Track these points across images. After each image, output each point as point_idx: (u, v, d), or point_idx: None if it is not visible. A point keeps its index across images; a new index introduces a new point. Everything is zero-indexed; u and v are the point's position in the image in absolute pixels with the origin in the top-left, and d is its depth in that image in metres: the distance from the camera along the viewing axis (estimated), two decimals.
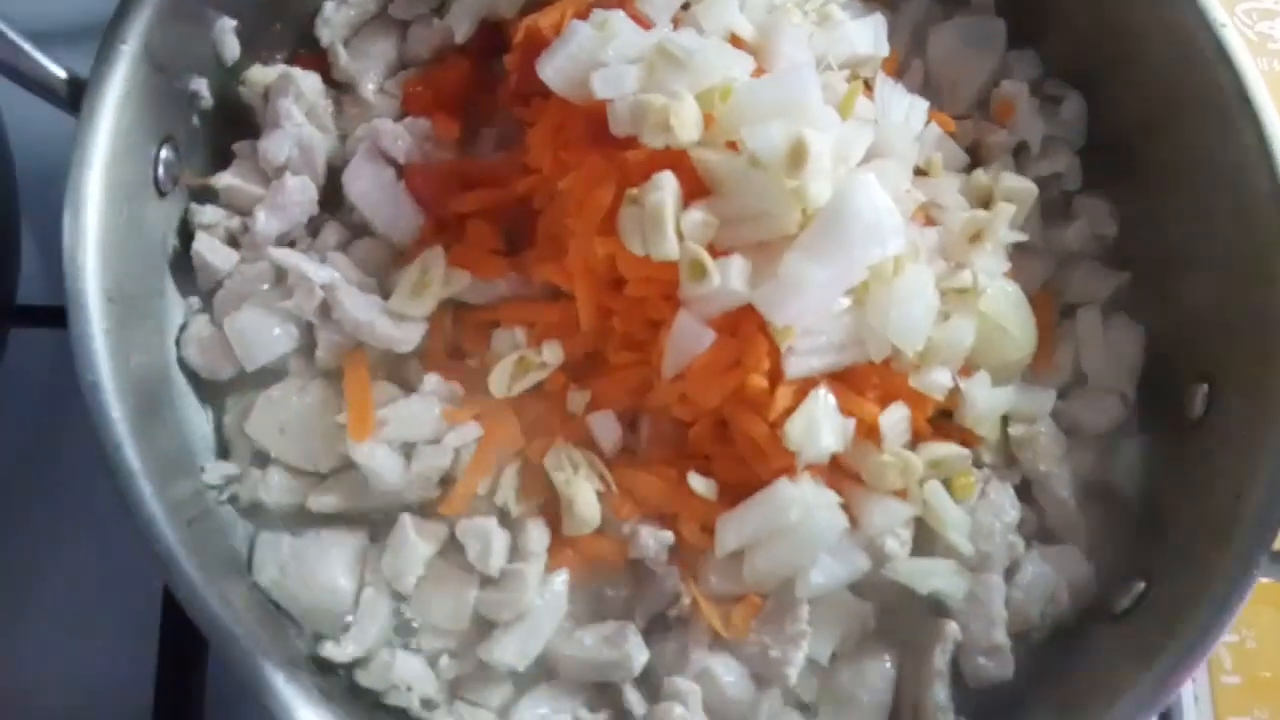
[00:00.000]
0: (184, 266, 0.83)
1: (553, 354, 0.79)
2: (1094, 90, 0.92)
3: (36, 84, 0.72)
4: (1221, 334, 0.83)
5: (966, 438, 0.82)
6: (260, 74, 0.86)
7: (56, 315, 0.70)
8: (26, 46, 0.71)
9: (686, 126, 0.72)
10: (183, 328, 0.82)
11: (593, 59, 0.76)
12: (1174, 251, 0.88)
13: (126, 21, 0.73)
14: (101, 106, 0.72)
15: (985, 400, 0.81)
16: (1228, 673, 0.92)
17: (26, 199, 0.88)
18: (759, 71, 0.79)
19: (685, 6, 0.83)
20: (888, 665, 0.78)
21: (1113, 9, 0.88)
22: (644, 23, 0.81)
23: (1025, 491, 0.85)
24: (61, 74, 0.72)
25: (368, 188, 0.85)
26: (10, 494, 0.89)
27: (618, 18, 0.79)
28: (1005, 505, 0.82)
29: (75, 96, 0.72)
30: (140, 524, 0.66)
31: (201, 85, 0.82)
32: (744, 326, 0.74)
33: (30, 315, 0.87)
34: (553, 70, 0.77)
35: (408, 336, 0.80)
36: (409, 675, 0.74)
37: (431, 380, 0.79)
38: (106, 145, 0.72)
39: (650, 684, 0.76)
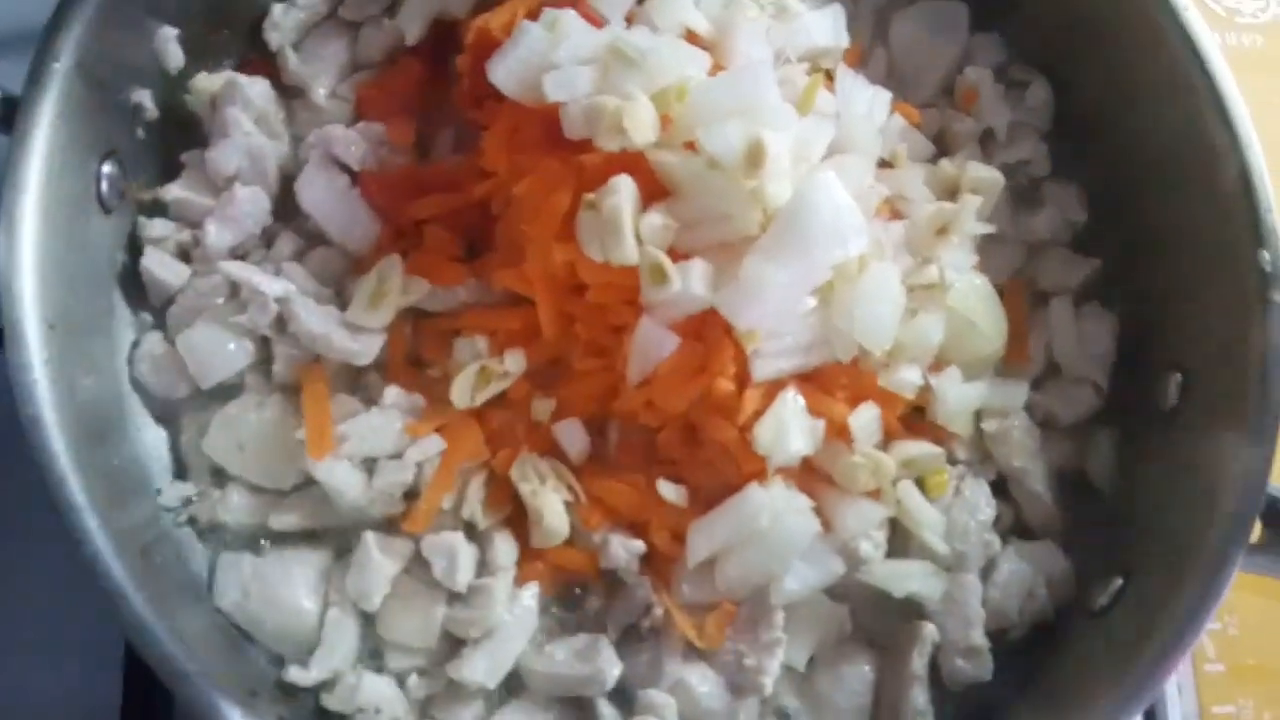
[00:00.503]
0: (134, 283, 0.81)
1: (515, 362, 0.77)
2: (1060, 74, 0.91)
3: None
4: (1192, 321, 0.82)
5: (939, 434, 0.81)
6: (206, 82, 0.83)
7: None
8: None
9: (641, 128, 0.70)
10: (134, 346, 0.80)
11: (544, 60, 0.74)
12: (1143, 237, 0.86)
13: (59, 37, 0.70)
14: (35, 127, 0.69)
15: (957, 396, 0.80)
16: (1211, 661, 0.91)
17: None
18: (716, 68, 0.77)
19: (639, 2, 0.81)
20: (866, 669, 0.77)
21: (1074, 8, 0.86)
22: (596, 21, 0.79)
23: (1001, 487, 0.83)
24: None
25: (321, 196, 0.82)
26: None
27: (568, 17, 0.77)
28: (980, 503, 0.81)
29: (7, 115, 0.70)
30: (87, 559, 0.64)
31: (145, 96, 0.80)
32: (709, 330, 0.73)
33: None
34: (504, 73, 0.75)
35: (366, 348, 0.78)
36: (377, 697, 0.73)
37: (392, 393, 0.78)
38: (42, 165, 0.70)
39: (624, 697, 0.75)
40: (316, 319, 0.78)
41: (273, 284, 0.78)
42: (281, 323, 0.78)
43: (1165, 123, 0.83)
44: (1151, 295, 0.85)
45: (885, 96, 0.84)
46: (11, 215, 0.68)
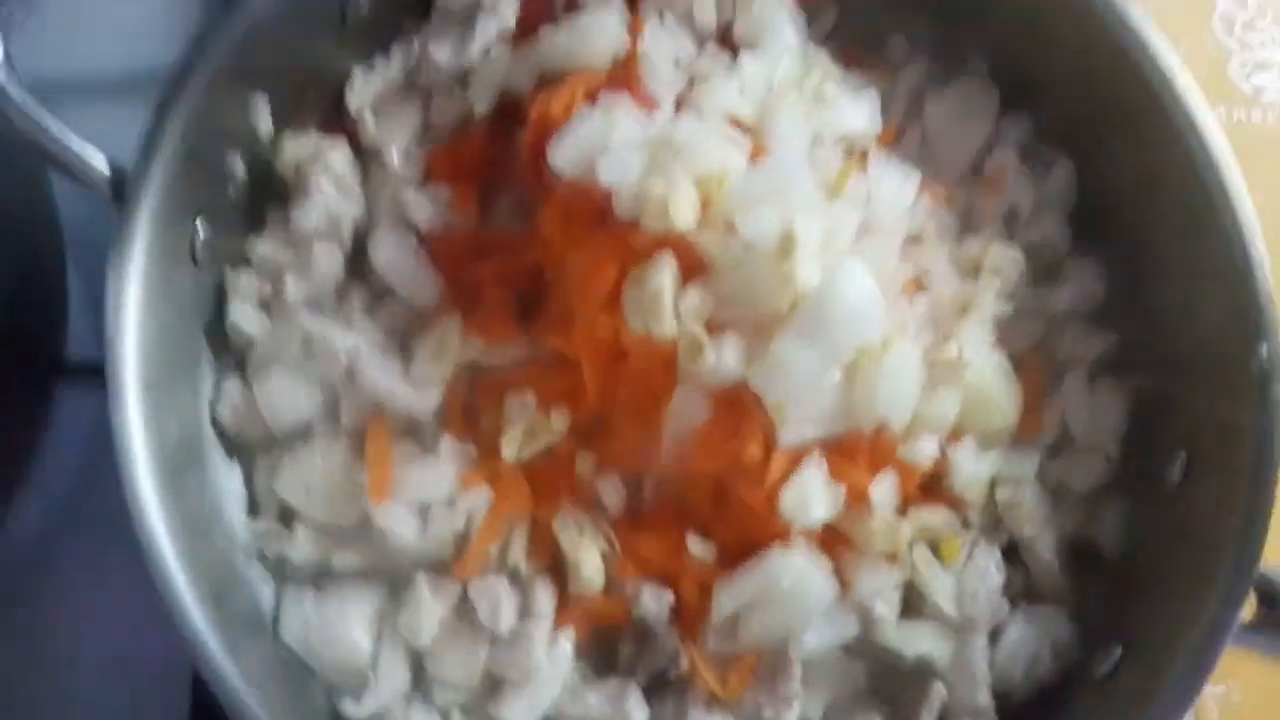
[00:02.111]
0: (218, 331, 0.88)
1: (560, 420, 0.83)
2: (1083, 155, 0.95)
3: (80, 176, 0.77)
4: (1197, 403, 0.86)
5: (954, 501, 0.86)
6: (292, 146, 0.90)
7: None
8: (74, 140, 0.76)
9: (683, 213, 0.77)
10: (216, 390, 0.87)
11: (598, 145, 0.81)
12: (1156, 315, 0.90)
13: (167, 117, 0.77)
14: (143, 198, 0.77)
15: (972, 467, 0.85)
16: None
17: (75, 251, 0.94)
18: (757, 150, 0.83)
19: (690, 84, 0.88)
20: None
21: (1100, 83, 0.90)
22: (649, 103, 0.85)
23: (1011, 551, 0.88)
24: (104, 169, 0.77)
25: (391, 255, 0.89)
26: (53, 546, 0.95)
27: (623, 103, 0.83)
28: (991, 569, 0.86)
29: (117, 186, 0.77)
30: (163, 590, 0.71)
31: (236, 160, 0.87)
32: (740, 399, 0.79)
33: (79, 371, 0.93)
34: (561, 156, 0.81)
35: (425, 403, 0.85)
36: None
37: (447, 443, 0.84)
38: (146, 233, 0.77)
39: None
40: (381, 373, 0.85)
41: (343, 337, 0.85)
42: (350, 374, 0.85)
43: (1179, 208, 0.87)
44: (1161, 372, 0.89)
45: (915, 177, 0.89)
46: (119, 286, 0.75)
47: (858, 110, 0.91)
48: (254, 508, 0.87)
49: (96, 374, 0.90)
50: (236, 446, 0.87)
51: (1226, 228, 0.84)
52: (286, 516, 0.86)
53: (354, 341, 0.85)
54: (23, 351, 0.86)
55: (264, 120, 0.87)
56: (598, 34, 0.89)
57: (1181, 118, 0.86)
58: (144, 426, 0.75)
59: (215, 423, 0.86)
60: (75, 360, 0.93)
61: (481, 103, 0.93)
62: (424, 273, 0.89)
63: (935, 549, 0.85)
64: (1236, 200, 0.84)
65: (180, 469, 0.80)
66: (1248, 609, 0.78)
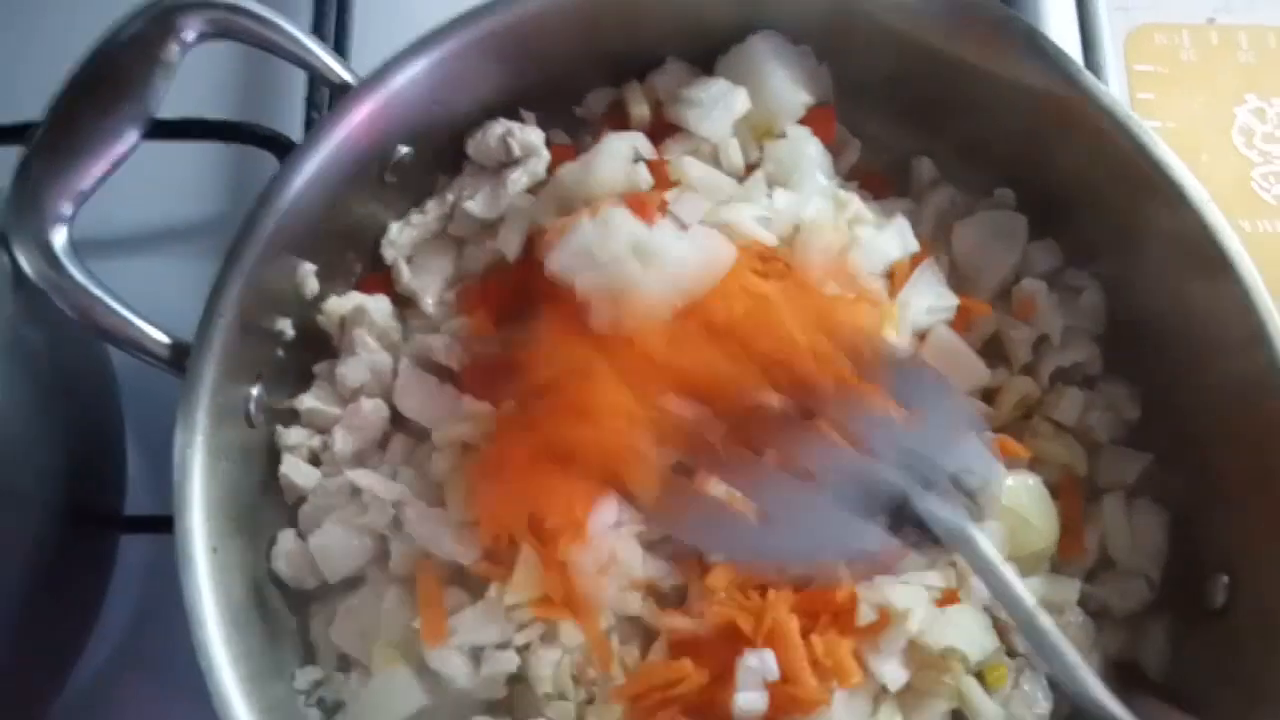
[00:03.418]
0: (271, 485, 0.91)
1: None
2: (1110, 276, 0.97)
3: (143, 351, 0.81)
4: (1238, 527, 0.87)
5: (999, 627, 0.86)
6: (336, 305, 0.94)
7: (163, 523, 0.79)
8: (135, 319, 0.80)
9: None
10: (271, 542, 0.89)
11: (589, 253, 0.83)
12: (1192, 437, 0.91)
13: (223, 296, 0.81)
14: (203, 369, 0.80)
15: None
16: None
17: (130, 404, 0.98)
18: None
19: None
20: None
21: (1121, 206, 0.92)
22: (648, 214, 0.87)
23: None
24: (165, 340, 0.81)
25: (417, 401, 0.92)
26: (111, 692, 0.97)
27: (618, 215, 0.85)
28: (1038, 696, 0.86)
29: (178, 359, 0.81)
30: None
31: (285, 324, 0.90)
32: None
33: (138, 524, 0.96)
34: (556, 264, 0.84)
35: (469, 550, 0.86)
36: None
37: (496, 588, 0.85)
38: (207, 402, 0.80)
39: None
40: (426, 522, 0.86)
41: (389, 488, 0.88)
42: (397, 523, 0.87)
43: (1208, 329, 0.89)
44: (1200, 495, 0.90)
45: (952, 299, 0.93)
46: (184, 457, 0.78)
47: (890, 241, 0.93)
48: (310, 654, 0.89)
49: (155, 524, 0.94)
50: (293, 595, 0.90)
51: (1257, 350, 0.85)
52: (343, 662, 0.88)
53: (399, 492, 0.87)
54: (86, 511, 0.89)
55: (310, 285, 0.91)
56: (610, 164, 0.92)
57: (1202, 235, 0.87)
58: (211, 588, 0.78)
59: (272, 574, 0.89)
60: (135, 514, 0.95)
61: (511, 249, 0.96)
62: (454, 408, 0.90)
63: (982, 677, 0.86)
64: (1269, 323, 0.84)
65: (243, 621, 0.82)
66: None
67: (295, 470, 0.90)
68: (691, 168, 0.93)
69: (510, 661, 0.84)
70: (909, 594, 0.83)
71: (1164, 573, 0.92)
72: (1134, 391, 0.96)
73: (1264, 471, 0.85)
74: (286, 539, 0.90)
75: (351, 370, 0.92)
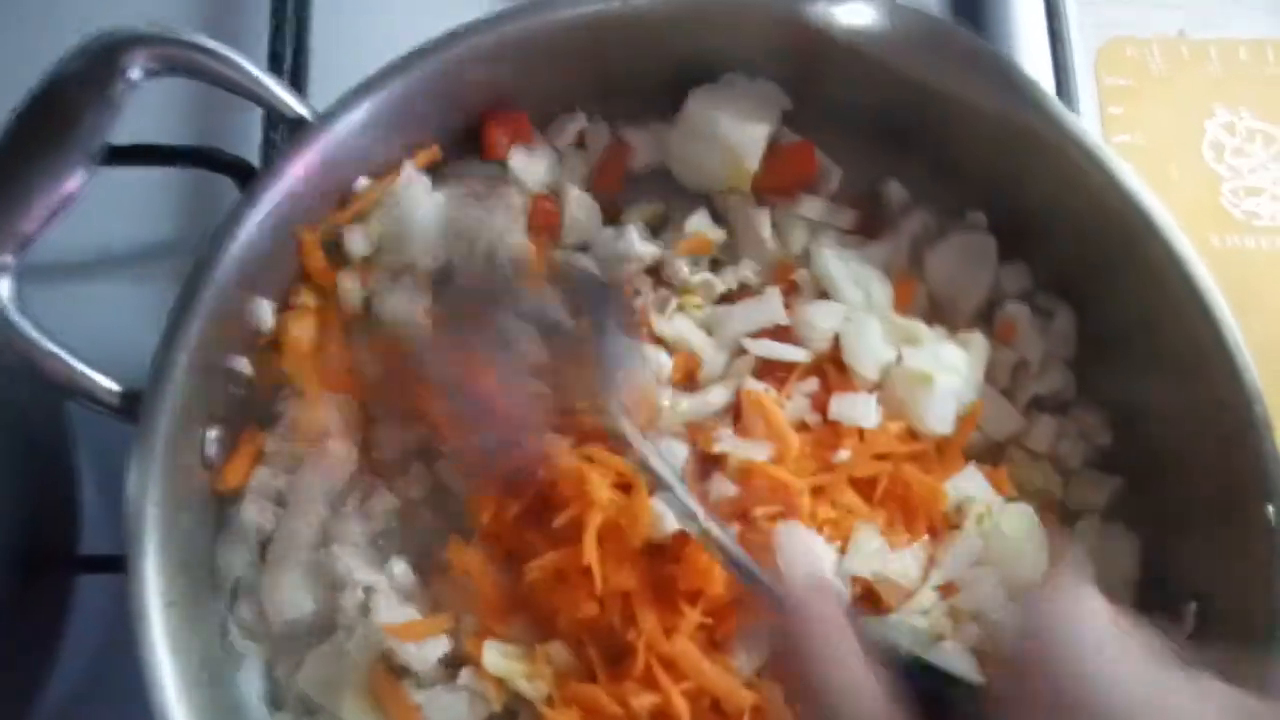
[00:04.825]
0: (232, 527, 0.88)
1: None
2: (1079, 301, 0.97)
3: (94, 401, 0.78)
4: (1204, 555, 0.87)
5: None
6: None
7: (120, 562, 0.77)
8: (85, 370, 0.78)
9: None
10: (233, 588, 0.87)
11: None
12: (1159, 462, 0.91)
13: (176, 340, 0.78)
14: (157, 416, 0.78)
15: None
16: None
17: (84, 445, 0.95)
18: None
19: None
20: None
21: (1090, 231, 0.91)
22: None
23: None
24: (116, 389, 0.79)
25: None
26: None
27: None
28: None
29: (130, 407, 0.78)
30: None
31: (243, 363, 0.88)
32: None
33: (93, 564, 0.93)
34: None
35: (428, 659, 0.82)
36: None
37: (465, 675, 0.82)
38: (162, 449, 0.78)
39: None
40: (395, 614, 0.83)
41: (364, 571, 0.85)
42: (363, 609, 0.84)
43: (1176, 353, 0.88)
44: (1167, 521, 0.90)
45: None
46: (137, 510, 0.76)
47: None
48: (277, 701, 0.87)
49: (111, 564, 0.91)
50: (257, 640, 0.88)
51: (1224, 381, 0.85)
52: (309, 707, 0.86)
53: (373, 579, 0.84)
54: (39, 550, 0.87)
55: (265, 320, 0.88)
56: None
57: (1169, 264, 0.87)
58: (168, 646, 0.76)
59: (236, 618, 0.87)
60: (90, 553, 0.93)
61: None
62: None
63: None
64: (1235, 353, 0.84)
65: (204, 666, 0.81)
66: None
67: (258, 511, 0.88)
68: None
69: None
70: None
71: (1136, 599, 0.91)
72: (1104, 417, 0.95)
73: (1231, 496, 0.85)
74: (249, 583, 0.87)
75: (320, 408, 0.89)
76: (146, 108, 0.96)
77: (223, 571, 0.87)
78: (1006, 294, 0.97)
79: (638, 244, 0.93)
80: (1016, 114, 0.89)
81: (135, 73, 0.78)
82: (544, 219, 0.94)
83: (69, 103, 0.78)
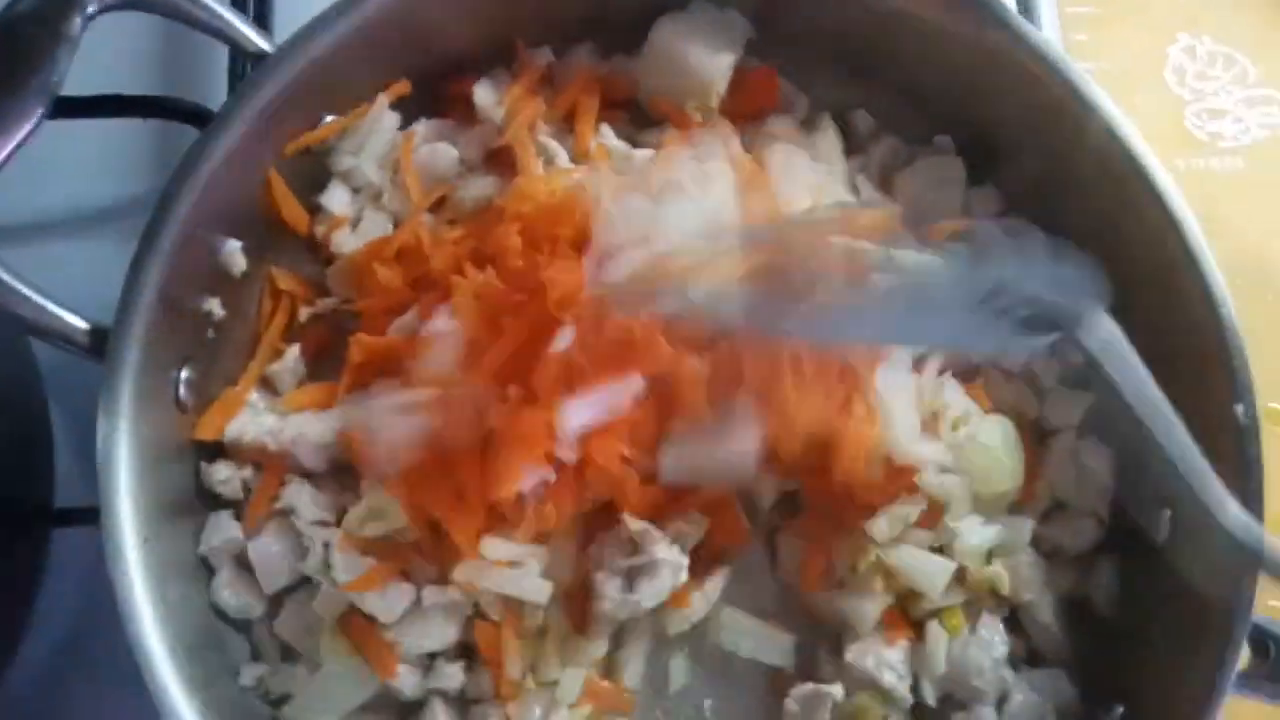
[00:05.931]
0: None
1: None
2: (1049, 223, 0.94)
3: (61, 338, 0.78)
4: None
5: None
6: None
7: (95, 514, 0.76)
8: (50, 306, 0.77)
9: None
10: (209, 532, 0.86)
11: None
12: None
13: (141, 276, 0.78)
14: (125, 353, 0.77)
15: (977, 537, 0.87)
16: None
17: (56, 395, 0.95)
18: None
19: None
20: None
21: (1057, 152, 0.92)
22: None
23: (1011, 617, 0.89)
24: (84, 326, 0.78)
25: None
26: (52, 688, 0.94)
27: None
28: (995, 641, 0.87)
29: (98, 344, 0.78)
30: None
31: (214, 304, 0.87)
32: None
33: (71, 515, 0.93)
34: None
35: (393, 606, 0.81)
36: None
37: (432, 592, 0.82)
38: (131, 388, 0.77)
39: None
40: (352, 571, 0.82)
41: (324, 532, 0.84)
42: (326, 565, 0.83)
43: (1146, 272, 0.88)
44: (1141, 430, 0.91)
45: None
46: (108, 444, 0.76)
47: None
48: (256, 654, 0.87)
49: (87, 516, 0.90)
50: (236, 588, 0.87)
51: (1193, 289, 0.85)
52: (289, 655, 0.86)
53: (327, 534, 0.84)
54: (12, 504, 0.86)
55: (237, 262, 0.88)
56: None
57: (1139, 181, 0.87)
58: (144, 579, 0.76)
59: (205, 560, 0.86)
60: (65, 506, 0.92)
61: None
62: None
63: (940, 620, 0.87)
64: (1202, 262, 0.85)
65: (181, 614, 0.80)
66: (1242, 658, 0.79)
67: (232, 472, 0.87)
68: None
69: (455, 678, 0.83)
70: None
71: (1112, 511, 0.92)
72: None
73: (1204, 412, 0.85)
74: (223, 528, 0.86)
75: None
76: (109, 57, 0.96)
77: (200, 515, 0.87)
78: (977, 216, 0.97)
79: None
80: (981, 34, 0.89)
81: (91, 6, 0.77)
82: None
83: (26, 40, 0.77)
